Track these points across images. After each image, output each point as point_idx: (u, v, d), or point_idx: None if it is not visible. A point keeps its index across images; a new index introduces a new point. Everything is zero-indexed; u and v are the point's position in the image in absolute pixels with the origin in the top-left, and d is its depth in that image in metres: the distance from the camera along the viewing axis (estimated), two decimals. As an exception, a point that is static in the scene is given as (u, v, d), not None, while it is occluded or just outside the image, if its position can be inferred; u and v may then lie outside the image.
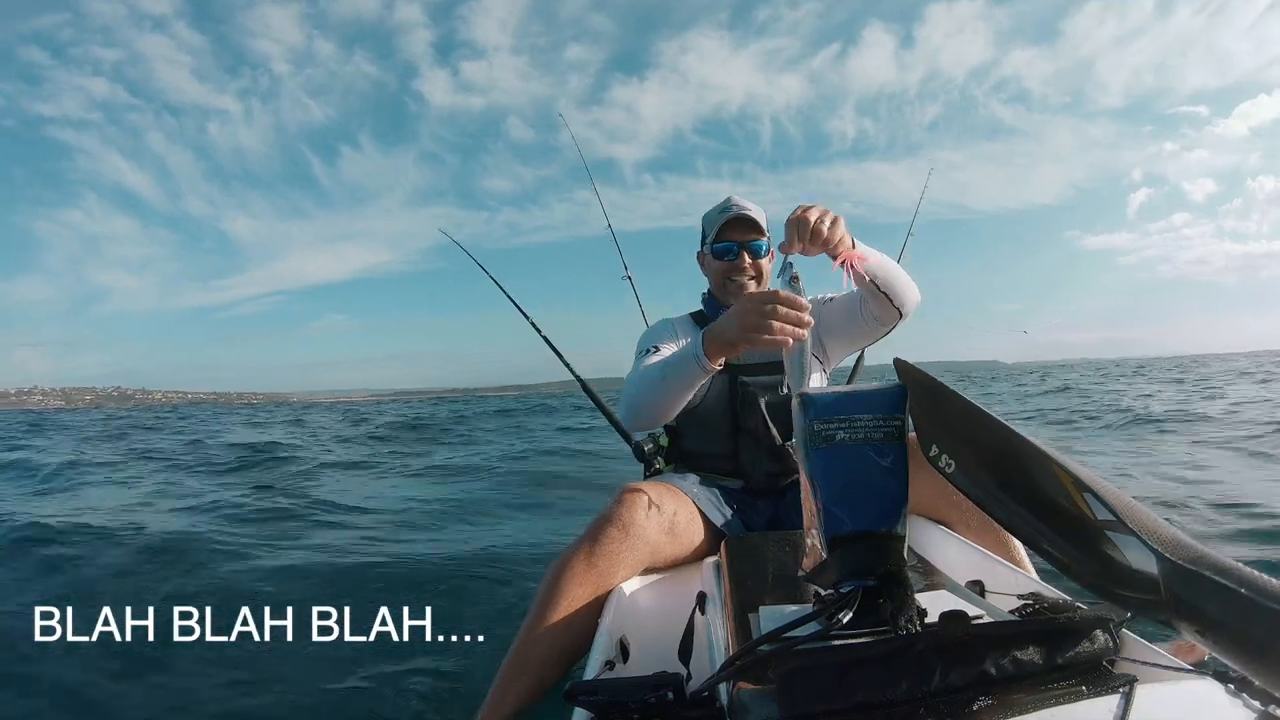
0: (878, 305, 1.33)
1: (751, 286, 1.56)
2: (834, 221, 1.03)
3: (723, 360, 1.14)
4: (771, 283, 1.00)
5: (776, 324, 0.93)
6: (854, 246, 1.13)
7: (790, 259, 1.01)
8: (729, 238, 1.55)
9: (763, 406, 1.46)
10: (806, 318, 0.93)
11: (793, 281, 0.97)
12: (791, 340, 0.93)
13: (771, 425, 1.45)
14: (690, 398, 1.25)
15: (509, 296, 2.38)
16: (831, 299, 1.58)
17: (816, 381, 1.56)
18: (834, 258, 1.09)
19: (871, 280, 1.25)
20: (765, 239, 1.58)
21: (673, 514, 1.22)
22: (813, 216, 1.01)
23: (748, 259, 1.55)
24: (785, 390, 0.94)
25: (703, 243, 1.63)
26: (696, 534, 1.28)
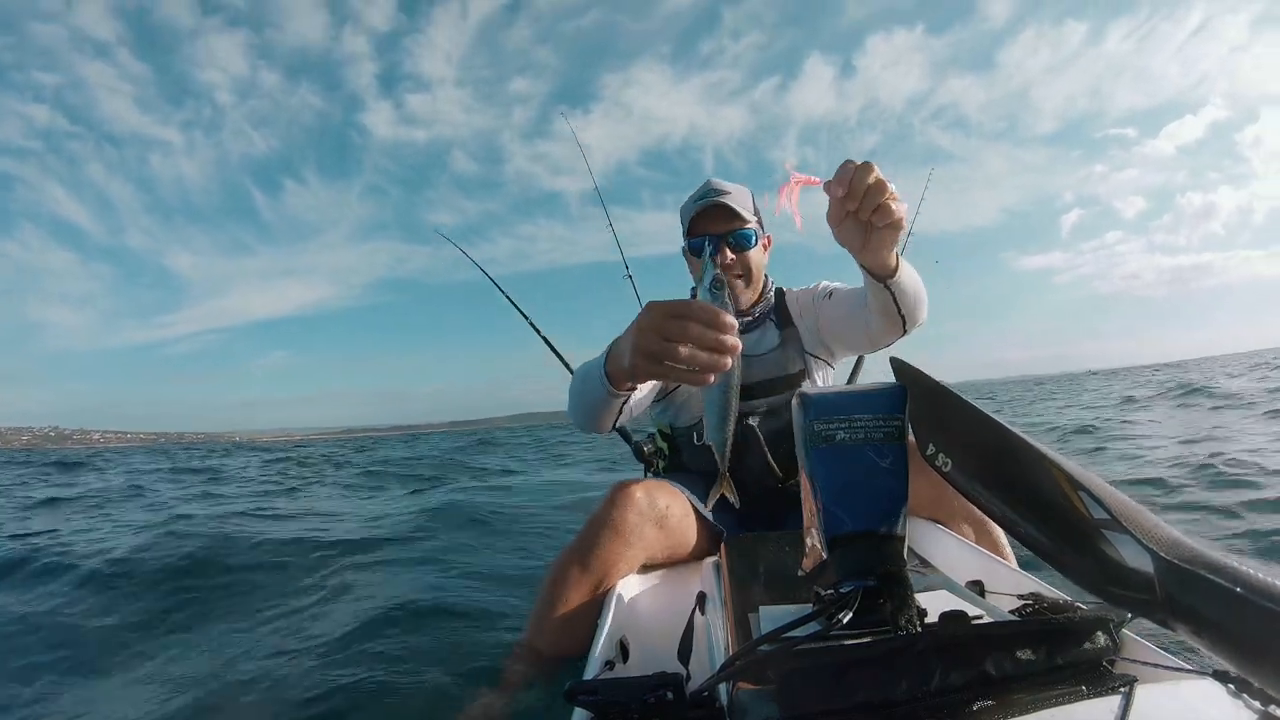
0: (885, 322, 1.14)
1: (740, 286, 1.41)
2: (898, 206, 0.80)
3: (630, 385, 0.95)
4: (700, 291, 0.73)
5: (684, 351, 0.65)
6: (898, 262, 0.97)
7: (711, 260, 0.77)
8: (704, 230, 1.36)
9: (763, 441, 1.32)
10: (730, 340, 0.65)
11: (714, 288, 0.72)
12: (703, 381, 0.67)
13: (774, 464, 1.32)
14: (623, 414, 1.12)
15: (510, 299, 2.30)
16: (832, 293, 1.43)
17: (822, 380, 1.50)
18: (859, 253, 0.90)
19: (894, 297, 1.04)
20: (751, 225, 1.38)
21: (665, 510, 1.19)
22: (888, 185, 0.76)
23: (730, 254, 1.36)
24: (698, 441, 0.79)
25: (683, 236, 1.44)
26: (691, 530, 1.26)
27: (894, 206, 0.77)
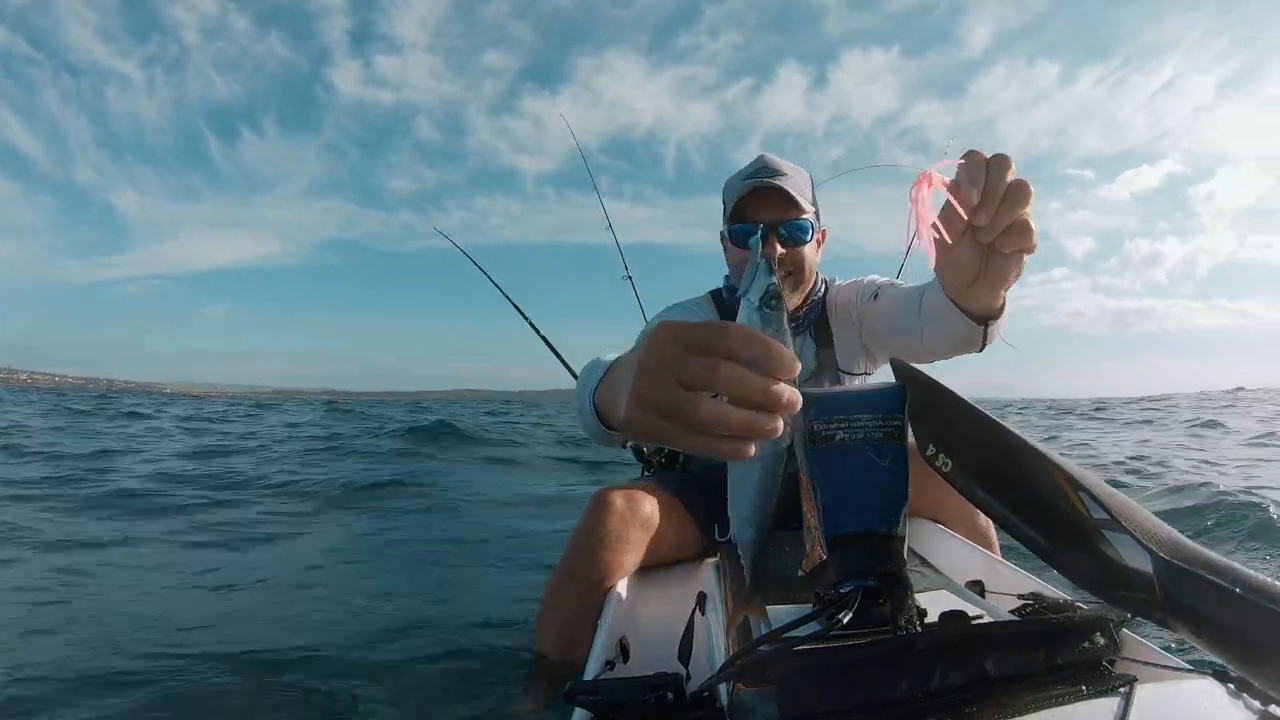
0: (956, 345, 0.93)
1: (788, 288, 1.18)
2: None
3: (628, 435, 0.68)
4: (744, 306, 0.50)
5: (706, 410, 0.40)
6: (1003, 303, 0.75)
7: (764, 260, 0.51)
8: (752, 216, 1.16)
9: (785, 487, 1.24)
10: (787, 393, 0.41)
11: (768, 306, 0.48)
12: (749, 448, 0.42)
13: (787, 503, 1.20)
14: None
15: (513, 301, 2.26)
16: (878, 293, 1.23)
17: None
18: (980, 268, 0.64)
19: (986, 335, 0.84)
20: (809, 215, 1.16)
21: (648, 514, 1.16)
22: (1031, 192, 0.54)
23: (779, 247, 1.15)
24: (720, 538, 0.53)
25: (724, 219, 1.25)
26: (680, 530, 1.23)
27: (1033, 225, 0.56)
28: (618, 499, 1.14)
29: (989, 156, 0.54)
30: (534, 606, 1.19)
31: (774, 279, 0.49)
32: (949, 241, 0.56)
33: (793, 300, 1.27)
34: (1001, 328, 0.83)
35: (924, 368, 0.66)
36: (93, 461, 5.38)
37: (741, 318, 0.49)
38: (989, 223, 0.55)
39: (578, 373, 0.86)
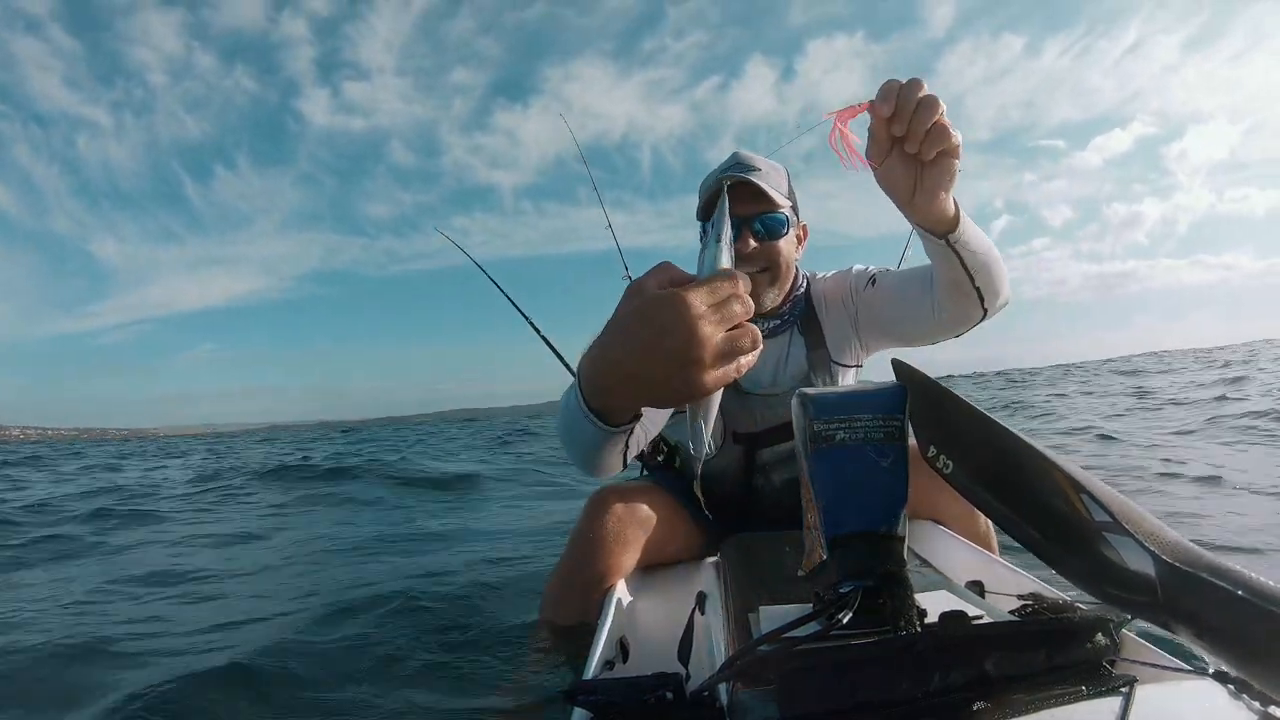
0: (958, 297, 0.97)
1: (764, 283, 1.21)
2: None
3: (630, 415, 0.71)
4: (707, 258, 0.57)
5: (751, 341, 0.53)
6: (958, 215, 0.81)
7: (720, 220, 0.58)
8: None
9: (778, 485, 1.26)
10: (749, 342, 0.53)
11: (712, 244, 0.58)
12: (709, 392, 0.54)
13: (784, 503, 1.24)
14: (631, 448, 0.90)
15: (515, 304, 2.17)
16: (875, 278, 1.24)
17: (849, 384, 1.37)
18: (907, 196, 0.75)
19: (962, 260, 0.89)
20: (783, 210, 1.18)
21: (645, 513, 1.16)
22: (940, 103, 0.66)
23: (752, 242, 1.17)
24: (694, 453, 0.61)
25: (698, 216, 1.26)
26: (678, 529, 1.23)
27: (951, 130, 0.66)
28: (616, 500, 1.14)
29: (903, 81, 0.65)
30: (533, 604, 1.19)
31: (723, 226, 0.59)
32: (856, 166, 0.69)
33: (771, 296, 1.26)
34: (977, 253, 0.89)
35: (923, 368, 0.66)
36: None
37: (709, 255, 0.57)
38: (906, 131, 0.65)
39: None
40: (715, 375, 0.52)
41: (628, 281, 2.26)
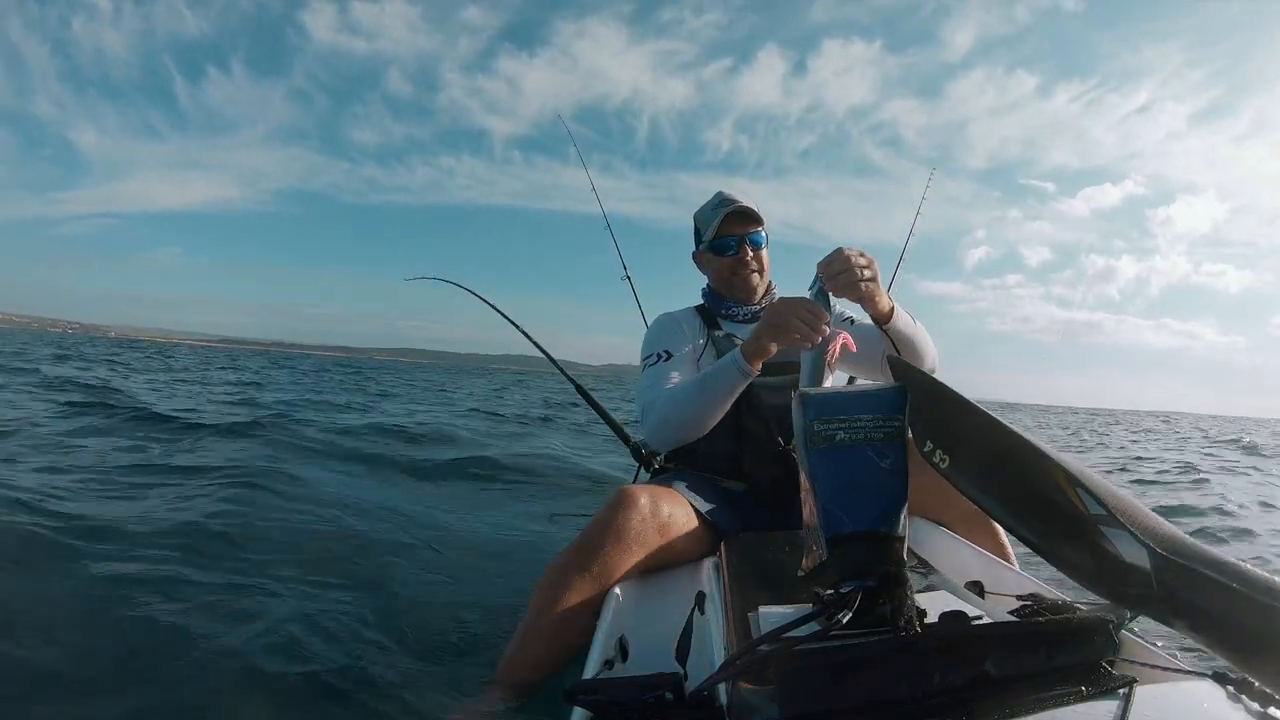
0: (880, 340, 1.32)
1: (755, 280, 1.58)
2: (872, 277, 1.10)
3: (760, 364, 1.25)
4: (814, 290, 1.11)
5: (795, 322, 1.05)
6: (892, 311, 1.23)
7: (822, 276, 1.10)
8: (729, 232, 1.56)
9: (766, 407, 1.42)
10: (823, 325, 1.04)
11: (820, 294, 1.09)
12: (808, 342, 1.04)
13: (772, 427, 1.41)
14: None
15: (517, 326, 2.37)
16: (852, 320, 1.57)
17: (831, 384, 1.50)
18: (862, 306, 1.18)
19: (893, 340, 1.28)
20: (763, 229, 1.60)
21: (668, 517, 1.19)
22: (854, 260, 1.08)
23: (749, 252, 1.57)
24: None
25: (698, 242, 1.63)
26: (693, 536, 1.25)
27: (861, 286, 1.10)
28: (644, 499, 1.16)
29: (830, 256, 1.10)
30: (523, 599, 1.18)
31: (824, 283, 1.09)
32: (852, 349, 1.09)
33: (760, 288, 1.63)
34: (902, 336, 1.29)
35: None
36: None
37: (810, 294, 1.10)
38: (832, 283, 1.09)
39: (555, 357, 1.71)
40: (772, 329, 1.13)
41: (627, 282, 2.34)
